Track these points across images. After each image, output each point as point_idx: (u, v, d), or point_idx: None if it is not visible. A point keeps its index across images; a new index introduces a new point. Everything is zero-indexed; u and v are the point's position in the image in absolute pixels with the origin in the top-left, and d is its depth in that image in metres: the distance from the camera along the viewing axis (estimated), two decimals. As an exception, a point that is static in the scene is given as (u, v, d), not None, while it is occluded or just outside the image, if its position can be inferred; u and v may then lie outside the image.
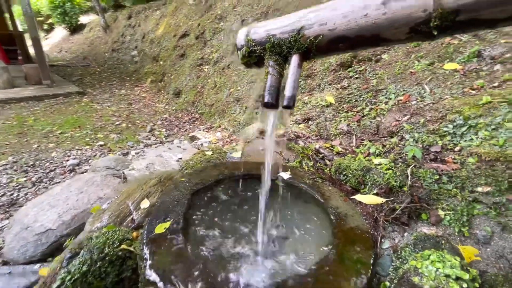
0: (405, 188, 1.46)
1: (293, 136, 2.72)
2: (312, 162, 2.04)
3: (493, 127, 1.52)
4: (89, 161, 3.53)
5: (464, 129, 1.62)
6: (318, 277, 1.06)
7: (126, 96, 6.83)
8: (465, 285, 0.94)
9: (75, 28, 13.75)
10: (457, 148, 1.59)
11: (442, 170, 1.49)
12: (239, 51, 1.17)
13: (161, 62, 7.52)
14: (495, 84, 1.82)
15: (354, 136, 2.29)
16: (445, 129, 1.71)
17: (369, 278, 1.06)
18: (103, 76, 8.73)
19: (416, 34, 0.83)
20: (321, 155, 2.16)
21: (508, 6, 0.69)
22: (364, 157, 1.88)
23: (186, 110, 5.76)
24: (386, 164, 1.69)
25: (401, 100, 2.28)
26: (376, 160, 1.77)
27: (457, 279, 0.95)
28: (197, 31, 6.73)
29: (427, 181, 1.46)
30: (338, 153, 2.14)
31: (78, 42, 13.10)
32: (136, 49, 9.20)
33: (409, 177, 1.50)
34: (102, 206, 1.86)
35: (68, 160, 3.51)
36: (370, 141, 2.15)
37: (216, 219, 1.54)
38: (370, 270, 1.09)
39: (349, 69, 3.05)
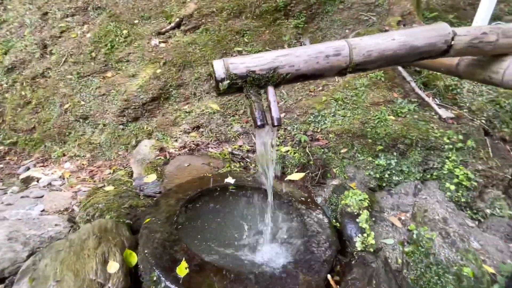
0: (311, 162, 2.24)
1: (193, 145, 2.88)
2: (238, 164, 2.40)
3: (332, 114, 2.63)
4: None
5: (319, 117, 2.65)
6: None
7: None
8: (366, 203, 1.81)
9: None
10: (320, 130, 2.58)
11: (321, 145, 2.41)
12: (220, 83, 1.33)
13: None
14: (320, 88, 3.03)
15: (252, 135, 2.87)
16: (309, 119, 2.68)
17: (327, 217, 1.73)
18: None
19: (338, 74, 1.48)
20: (238, 156, 2.57)
21: (376, 64, 1.48)
22: (275, 150, 2.52)
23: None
24: (290, 150, 2.42)
25: (271, 102, 3.10)
26: (284, 149, 2.45)
27: (364, 200, 1.80)
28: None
29: (319, 154, 2.32)
30: (248, 151, 2.63)
31: None
32: None
33: (309, 154, 2.31)
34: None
35: None
36: (264, 136, 2.81)
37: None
38: (326, 214, 1.75)
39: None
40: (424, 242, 1.63)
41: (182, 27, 3.92)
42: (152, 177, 2.36)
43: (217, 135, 2.99)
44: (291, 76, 1.40)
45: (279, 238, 1.72)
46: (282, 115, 2.86)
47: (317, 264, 1.39)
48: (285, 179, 2.14)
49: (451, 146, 2.12)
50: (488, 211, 2.10)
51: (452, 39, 1.48)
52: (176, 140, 3.09)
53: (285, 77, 1.39)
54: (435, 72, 2.62)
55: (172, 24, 3.90)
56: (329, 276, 1.39)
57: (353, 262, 1.50)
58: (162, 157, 2.67)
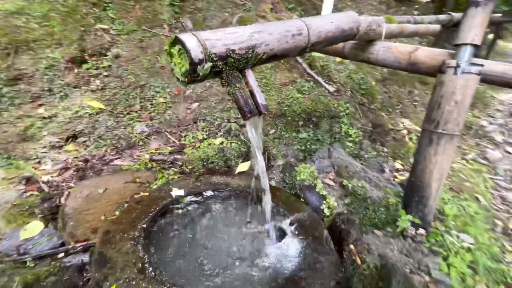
0: (251, 149, 2.17)
1: (80, 163, 2.05)
2: (171, 171, 1.92)
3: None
4: None
5: (237, 103, 2.57)
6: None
7: None
8: (315, 174, 2.01)
9: None
10: (241, 115, 2.52)
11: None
12: (199, 66, 0.99)
13: None
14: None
15: (166, 133, 2.36)
16: (228, 105, 2.54)
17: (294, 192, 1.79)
18: None
19: (298, 54, 1.46)
20: (163, 161, 2.06)
21: (322, 45, 1.57)
22: (207, 145, 2.20)
23: None
24: (225, 141, 2.22)
25: (173, 92, 2.67)
26: (217, 142, 2.20)
27: (313, 171, 1.99)
28: None
29: (252, 139, 2.28)
30: (172, 153, 2.17)
31: None
32: None
33: (246, 141, 2.22)
34: None
35: None
36: (181, 132, 2.41)
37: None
38: (292, 193, 1.80)
39: (85, 65, 2.59)
40: (358, 191, 2.04)
41: (-8, -14, 2.51)
42: (35, 226, 1.50)
43: (114, 142, 2.26)
44: (266, 56, 1.25)
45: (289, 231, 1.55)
46: (196, 104, 2.55)
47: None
48: (235, 173, 1.98)
49: (343, 113, 2.70)
50: (366, 155, 2.90)
51: (359, 25, 1.82)
52: (39, 162, 2.07)
53: (261, 57, 1.22)
54: (313, 54, 3.16)
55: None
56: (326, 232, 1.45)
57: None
58: (36, 192, 1.74)
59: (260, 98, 1.21)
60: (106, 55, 2.75)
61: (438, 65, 1.88)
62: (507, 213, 2.69)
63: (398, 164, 2.99)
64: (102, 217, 1.55)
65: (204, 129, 2.37)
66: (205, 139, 2.28)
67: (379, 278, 1.12)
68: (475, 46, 1.74)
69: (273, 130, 2.42)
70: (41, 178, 1.86)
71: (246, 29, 1.17)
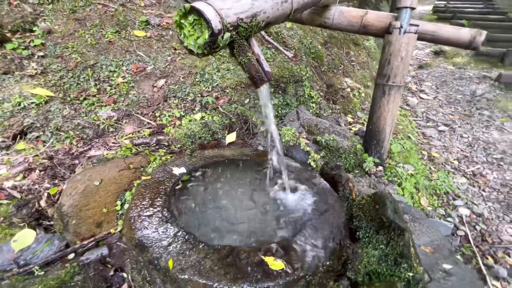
0: (233, 120, 2.21)
1: (45, 161, 1.81)
2: (162, 152, 1.84)
3: (217, 70, 2.58)
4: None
5: (206, 76, 2.51)
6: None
7: None
8: (297, 133, 2.22)
9: None
10: (212, 89, 2.50)
11: (226, 102, 2.39)
12: (218, 37, 1.00)
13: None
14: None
15: (137, 115, 2.19)
16: (197, 79, 2.47)
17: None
18: None
19: (283, 20, 1.53)
20: (147, 145, 1.94)
21: (299, 11, 1.66)
22: (188, 122, 2.14)
23: None
24: (205, 115, 2.20)
25: (132, 69, 2.42)
26: (197, 117, 2.17)
27: (294, 132, 2.19)
28: None
29: (232, 110, 2.31)
30: (152, 134, 2.05)
31: None
32: None
33: (227, 113, 2.24)
34: None
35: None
36: (154, 111, 2.27)
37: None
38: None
39: (10, 45, 2.11)
40: (331, 143, 2.35)
41: None
42: (26, 235, 1.35)
43: (78, 133, 2.02)
44: (263, 24, 1.29)
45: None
46: (163, 81, 2.39)
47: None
48: (225, 144, 2.03)
49: (305, 77, 2.92)
50: (324, 114, 3.26)
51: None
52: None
53: (261, 25, 1.26)
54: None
55: None
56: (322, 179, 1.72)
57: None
58: (6, 201, 1.51)
59: (266, 66, 1.27)
60: (32, 31, 2.27)
61: (385, 27, 2.20)
62: (428, 144, 3.47)
63: (349, 118, 3.46)
64: (104, 210, 1.47)
65: (178, 106, 2.29)
66: (183, 116, 2.22)
67: (375, 203, 1.42)
68: (412, 8, 2.09)
69: (247, 100, 2.50)
70: (2, 184, 1.59)
71: (245, -4, 1.18)
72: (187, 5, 0.96)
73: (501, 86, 4.76)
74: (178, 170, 1.62)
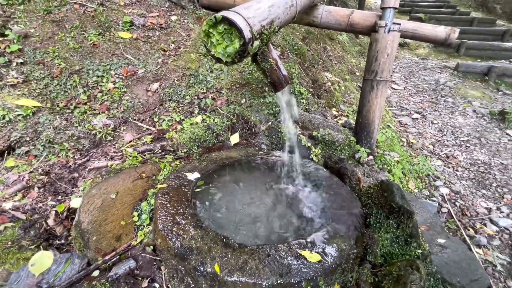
0: (234, 121, 2.22)
1: (43, 177, 1.71)
2: (170, 158, 1.80)
3: (210, 71, 2.56)
4: None
5: (200, 77, 2.48)
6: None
7: None
8: (298, 130, 2.30)
9: None
10: (207, 90, 2.48)
11: (224, 103, 2.39)
12: (249, 46, 1.03)
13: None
14: (172, 46, 2.66)
15: (135, 121, 2.10)
16: (191, 81, 2.43)
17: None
18: None
19: (291, 21, 1.58)
20: (152, 152, 1.89)
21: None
22: (189, 125, 2.11)
23: None
24: (206, 118, 2.19)
25: (121, 74, 2.32)
26: (198, 119, 2.14)
27: (296, 129, 2.27)
28: None
29: (231, 111, 2.32)
30: (154, 140, 2.00)
31: None
32: None
33: (227, 114, 2.25)
34: None
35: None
36: (150, 116, 2.20)
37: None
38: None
39: (-18, 53, 1.90)
40: (326, 138, 2.48)
41: None
42: (43, 257, 1.28)
43: (73, 144, 1.91)
44: (277, 29, 1.33)
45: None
46: (157, 84, 2.32)
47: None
48: (231, 145, 2.04)
49: (294, 74, 3.01)
50: (312, 109, 3.39)
51: (315, -8, 2.04)
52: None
53: (275, 30, 1.30)
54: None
55: None
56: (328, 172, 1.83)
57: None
58: (11, 223, 1.42)
59: (283, 70, 1.32)
60: (5, 35, 2.07)
61: (371, 26, 2.35)
62: (405, 132, 3.78)
63: (334, 111, 3.63)
64: (123, 222, 1.44)
65: (176, 110, 2.25)
66: (183, 120, 2.19)
67: (383, 191, 1.56)
68: (395, 8, 2.26)
69: (244, 100, 2.52)
70: (1, 206, 1.47)
71: (264, 3, 1.21)
72: (218, 15, 0.97)
73: (459, 74, 5.29)
74: (192, 176, 1.62)
